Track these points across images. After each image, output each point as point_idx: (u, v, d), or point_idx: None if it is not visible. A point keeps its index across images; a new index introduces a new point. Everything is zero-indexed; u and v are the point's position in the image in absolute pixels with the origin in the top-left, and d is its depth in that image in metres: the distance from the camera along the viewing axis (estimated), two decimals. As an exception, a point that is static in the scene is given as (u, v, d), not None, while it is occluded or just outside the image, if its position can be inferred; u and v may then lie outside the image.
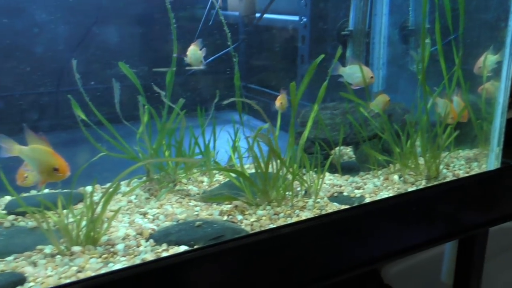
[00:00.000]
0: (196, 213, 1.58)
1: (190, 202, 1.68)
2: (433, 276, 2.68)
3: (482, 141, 2.04)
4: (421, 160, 1.90)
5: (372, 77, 1.78)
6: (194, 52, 1.80)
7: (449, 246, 2.49)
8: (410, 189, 1.77)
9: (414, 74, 1.98)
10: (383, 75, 2.25)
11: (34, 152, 1.25)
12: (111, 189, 1.37)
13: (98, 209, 1.36)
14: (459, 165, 1.97)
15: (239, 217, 1.55)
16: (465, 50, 1.84)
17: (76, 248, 1.30)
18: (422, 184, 1.81)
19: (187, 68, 3.07)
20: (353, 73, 1.78)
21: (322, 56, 1.61)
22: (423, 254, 2.87)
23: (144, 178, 1.81)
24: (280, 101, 1.77)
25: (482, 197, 1.83)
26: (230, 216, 1.55)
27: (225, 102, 1.55)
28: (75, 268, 1.22)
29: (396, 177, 1.85)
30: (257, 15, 3.38)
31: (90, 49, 2.40)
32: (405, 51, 2.31)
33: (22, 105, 2.38)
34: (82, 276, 1.19)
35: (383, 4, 2.19)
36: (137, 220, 1.53)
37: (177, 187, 1.80)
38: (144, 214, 1.58)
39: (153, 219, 1.54)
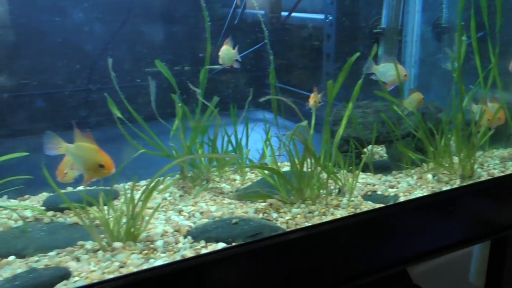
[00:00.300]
0: (231, 210, 1.59)
1: (224, 200, 1.69)
2: (460, 276, 2.64)
3: (517, 140, 2.02)
4: (455, 159, 1.88)
5: (405, 75, 1.77)
6: (227, 51, 1.80)
7: (477, 246, 2.46)
8: (444, 188, 1.75)
9: (447, 72, 1.96)
10: (415, 73, 2.23)
11: (79, 150, 1.26)
12: (151, 185, 1.38)
13: (135, 206, 1.38)
14: (493, 164, 1.94)
15: (274, 215, 1.55)
16: (502, 47, 1.81)
17: (117, 244, 1.32)
18: (457, 183, 1.80)
19: (210, 67, 3.08)
20: (386, 71, 1.76)
21: (358, 54, 1.60)
22: (450, 254, 2.84)
23: (177, 176, 1.83)
24: (313, 99, 1.77)
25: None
26: (266, 214, 1.56)
27: (262, 99, 1.55)
28: (117, 264, 1.23)
29: (430, 176, 1.83)
30: (283, 13, 3.39)
31: (123, 47, 2.44)
32: (438, 49, 2.28)
33: (62, 103, 2.42)
34: (124, 271, 1.21)
35: (416, 2, 2.18)
36: (173, 218, 1.54)
37: (210, 185, 1.82)
38: (180, 212, 1.59)
39: (189, 217, 1.56)
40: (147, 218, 1.41)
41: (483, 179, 1.82)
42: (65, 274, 1.18)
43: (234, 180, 1.88)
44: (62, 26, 2.35)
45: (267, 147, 1.88)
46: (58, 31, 2.36)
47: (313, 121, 1.78)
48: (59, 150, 1.27)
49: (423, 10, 2.18)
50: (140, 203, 1.39)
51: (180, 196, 1.72)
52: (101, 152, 1.24)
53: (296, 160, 1.64)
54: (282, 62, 3.39)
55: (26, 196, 1.71)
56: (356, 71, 1.76)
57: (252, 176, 1.92)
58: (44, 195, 1.73)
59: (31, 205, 1.63)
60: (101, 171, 1.23)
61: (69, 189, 1.78)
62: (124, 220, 1.36)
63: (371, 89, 1.91)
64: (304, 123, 1.52)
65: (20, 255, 1.30)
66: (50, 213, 1.57)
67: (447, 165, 1.84)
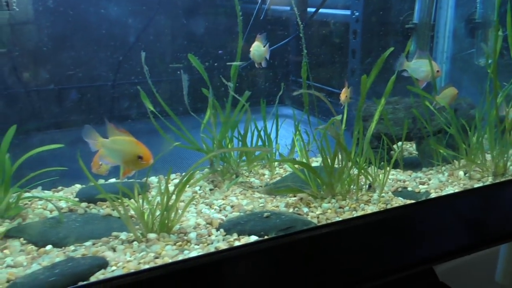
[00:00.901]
0: (261, 204, 1.59)
1: (254, 194, 1.70)
2: (486, 275, 2.61)
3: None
4: (488, 157, 1.85)
5: (438, 71, 1.74)
6: (258, 48, 1.80)
7: (504, 246, 2.42)
8: (476, 185, 1.73)
9: (479, 68, 1.93)
10: (447, 70, 2.20)
11: (116, 143, 1.26)
12: (185, 179, 1.40)
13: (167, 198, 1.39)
14: (527, 162, 1.91)
15: (305, 209, 1.55)
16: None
17: (151, 235, 1.34)
18: (489, 180, 1.77)
19: (231, 63, 3.09)
20: (418, 67, 1.74)
21: (392, 49, 1.59)
22: (479, 252, 2.80)
23: (207, 170, 1.84)
24: (345, 94, 1.76)
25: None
26: (296, 209, 1.56)
27: (295, 93, 1.55)
28: (152, 254, 1.25)
29: (461, 173, 1.81)
30: (309, 10, 3.37)
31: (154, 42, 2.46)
32: (471, 45, 2.25)
33: (97, 96, 2.46)
34: (159, 262, 1.22)
35: (449, -3, 2.15)
36: (204, 211, 1.55)
37: (240, 180, 1.82)
38: (210, 205, 1.60)
39: (220, 210, 1.57)
40: (180, 210, 1.43)
41: (516, 177, 1.79)
42: (103, 264, 1.20)
43: (263, 174, 1.89)
44: (98, 19, 2.38)
45: (296, 142, 1.88)
46: (90, 24, 2.39)
47: (345, 117, 1.78)
48: (96, 145, 1.28)
49: (456, 5, 2.15)
50: (172, 196, 1.40)
51: (210, 190, 1.74)
52: (139, 144, 1.25)
53: (328, 156, 1.63)
54: (308, 58, 3.39)
55: (60, 188, 1.75)
56: (384, 67, 1.75)
57: (281, 171, 1.92)
58: (77, 187, 1.76)
59: (65, 196, 1.66)
60: (139, 162, 1.23)
61: (101, 181, 1.80)
62: (158, 212, 1.38)
63: (400, 86, 1.89)
64: (338, 117, 1.51)
65: (57, 245, 1.33)
66: (83, 204, 1.60)
67: (479, 162, 1.82)
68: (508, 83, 1.82)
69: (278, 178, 1.85)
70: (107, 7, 2.38)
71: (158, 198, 1.40)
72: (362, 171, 1.66)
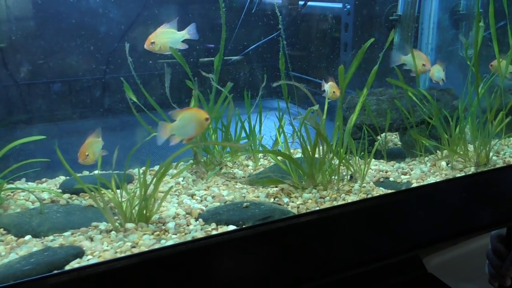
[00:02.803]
0: (243, 195, 1.60)
1: (236, 184, 1.71)
2: (477, 268, 2.63)
3: (535, 128, 1.98)
4: (470, 147, 1.86)
5: (424, 65, 1.75)
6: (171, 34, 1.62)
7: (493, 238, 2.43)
8: (458, 175, 1.74)
9: (464, 59, 1.94)
10: (432, 61, 2.20)
11: (185, 121, 1.41)
12: (162, 169, 1.41)
13: (149, 189, 1.41)
14: (510, 152, 1.92)
15: (285, 199, 1.56)
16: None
17: (129, 225, 1.35)
18: (471, 171, 1.78)
19: (226, 58, 3.09)
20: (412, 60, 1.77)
21: (372, 39, 1.60)
22: (468, 245, 2.82)
23: (191, 161, 1.85)
24: (333, 89, 1.76)
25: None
26: (277, 199, 1.57)
27: (275, 84, 1.56)
28: (129, 244, 1.26)
29: (443, 163, 1.82)
30: (300, 3, 3.38)
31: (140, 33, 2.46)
32: (455, 36, 2.26)
33: (74, 89, 2.47)
34: (136, 251, 1.23)
35: (433, -12, 2.15)
36: (186, 201, 1.56)
37: (223, 170, 1.83)
38: (192, 196, 1.61)
39: (201, 200, 1.58)
40: (159, 200, 1.44)
41: (498, 166, 1.80)
42: (79, 253, 1.21)
43: (247, 165, 1.90)
44: (78, 11, 2.38)
45: (280, 134, 1.89)
46: (74, 16, 2.40)
47: (325, 107, 1.78)
48: (166, 134, 1.40)
49: (441, -4, 2.16)
50: (153, 186, 1.41)
51: (193, 180, 1.75)
52: (198, 110, 1.43)
53: (308, 146, 1.64)
54: (299, 52, 3.40)
55: (44, 179, 1.76)
56: (372, 59, 1.76)
57: (265, 162, 1.93)
58: (61, 178, 1.77)
59: (48, 188, 1.67)
60: (205, 123, 1.43)
61: (85, 172, 1.82)
62: (136, 202, 1.39)
63: (385, 77, 1.90)
64: (316, 107, 1.52)
65: (36, 235, 1.34)
66: (66, 195, 1.61)
67: (461, 152, 1.83)
68: (489, 74, 1.83)
69: (262, 169, 1.86)
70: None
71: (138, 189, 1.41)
72: (343, 161, 1.67)
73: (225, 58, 3.02)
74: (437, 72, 1.79)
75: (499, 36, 1.84)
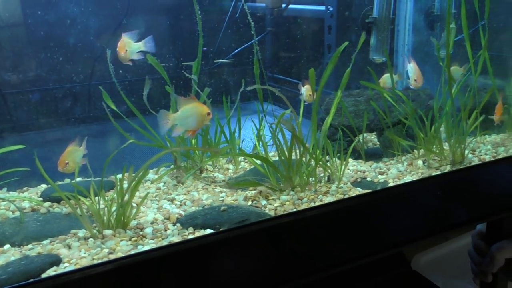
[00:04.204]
0: (221, 198, 1.63)
1: (216, 188, 1.73)
2: (463, 266, 2.66)
3: (509, 125, 2.02)
4: (446, 146, 1.90)
5: (416, 80, 1.78)
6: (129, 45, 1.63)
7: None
8: (434, 174, 1.77)
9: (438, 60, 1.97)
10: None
11: (186, 112, 1.43)
12: (139, 176, 1.43)
13: (127, 195, 1.42)
14: (485, 150, 1.95)
15: (263, 202, 1.59)
16: (491, 34, 1.82)
17: (107, 232, 1.37)
18: (447, 169, 1.81)
19: (215, 60, 3.11)
20: (408, 72, 1.80)
21: (346, 43, 1.63)
22: (454, 243, 2.86)
23: (172, 166, 1.87)
24: (309, 92, 1.79)
25: (509, 181, 1.81)
26: (255, 202, 1.59)
27: (249, 88, 1.59)
28: (106, 250, 1.28)
29: (420, 162, 1.85)
30: (284, 6, 3.40)
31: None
32: (430, 37, 2.29)
33: (56, 97, 2.48)
34: (113, 257, 1.25)
35: (408, -9, 2.19)
36: (165, 206, 1.58)
37: (203, 174, 1.86)
38: (172, 200, 1.64)
39: (180, 205, 1.60)
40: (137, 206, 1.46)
41: (473, 164, 1.83)
42: (56, 261, 1.23)
43: (228, 169, 1.92)
44: (59, 20, 2.40)
45: (259, 139, 1.91)
46: (54, 25, 2.41)
47: (301, 109, 1.81)
48: (168, 123, 1.43)
49: (415, -1, 2.20)
50: (129, 192, 1.43)
51: (174, 185, 1.77)
52: (201, 104, 1.45)
53: (285, 149, 1.67)
54: (283, 53, 3.43)
55: (25, 188, 1.77)
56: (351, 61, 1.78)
57: (246, 166, 1.95)
58: (42, 187, 1.78)
59: (29, 197, 1.68)
60: (207, 117, 1.45)
61: (67, 180, 1.83)
62: (114, 208, 1.41)
63: (364, 78, 1.93)
64: (288, 111, 1.55)
65: (14, 244, 1.35)
66: (47, 204, 1.62)
67: (437, 151, 1.86)
68: (463, 74, 1.86)
69: (242, 172, 1.88)
70: (76, 9, 2.41)
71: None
72: (320, 162, 1.70)
73: (215, 60, 3.06)
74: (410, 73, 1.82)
75: (473, 36, 1.88)
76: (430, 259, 2.82)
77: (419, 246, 2.81)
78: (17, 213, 1.55)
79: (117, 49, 1.57)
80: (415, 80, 1.78)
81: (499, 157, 1.89)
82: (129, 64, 1.60)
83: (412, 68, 1.78)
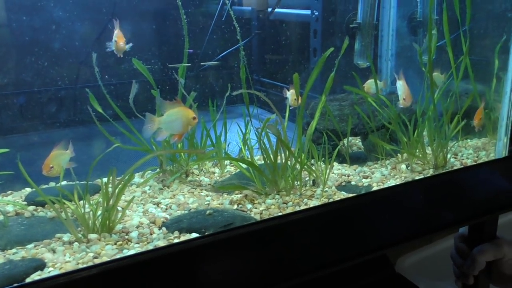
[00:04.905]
0: (207, 202, 1.63)
1: (201, 192, 1.74)
2: (447, 268, 2.70)
3: (490, 130, 2.06)
4: (429, 150, 1.93)
5: (404, 99, 1.80)
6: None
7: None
8: (417, 178, 1.80)
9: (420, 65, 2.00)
10: (392, 67, 2.28)
11: (172, 115, 1.44)
12: (124, 179, 1.43)
13: (112, 199, 1.42)
14: (467, 154, 1.99)
15: (249, 206, 1.60)
16: (473, 41, 1.86)
17: (92, 236, 1.36)
18: (430, 173, 1.84)
19: (201, 63, 3.12)
20: (398, 90, 1.82)
21: (332, 49, 1.65)
22: (438, 246, 2.89)
23: (157, 170, 1.87)
24: (294, 97, 1.80)
25: (490, 185, 1.85)
26: (240, 205, 1.60)
27: (235, 93, 1.60)
28: (91, 254, 1.28)
29: (403, 166, 1.88)
30: (270, 10, 3.42)
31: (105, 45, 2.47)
32: (413, 42, 2.33)
33: (41, 100, 2.47)
34: (98, 261, 1.25)
35: (391, -3, 2.23)
36: (151, 210, 1.59)
37: (189, 178, 1.86)
38: (158, 204, 1.64)
39: (166, 209, 1.60)
40: (122, 210, 1.46)
41: (456, 168, 1.87)
42: (40, 265, 1.22)
43: (214, 173, 1.93)
44: (44, 24, 2.39)
45: (245, 142, 1.92)
46: (38, 29, 2.40)
47: (287, 114, 1.83)
48: (154, 127, 1.44)
49: (398, 5, 2.22)
50: (114, 196, 1.43)
51: (160, 189, 1.77)
52: (186, 108, 1.46)
53: (270, 153, 1.68)
54: (269, 58, 3.44)
55: (9, 192, 1.76)
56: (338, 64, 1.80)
57: (232, 169, 1.96)
58: (27, 190, 1.77)
59: (13, 200, 1.67)
60: (193, 121, 1.46)
61: (52, 184, 1.82)
62: (99, 212, 1.41)
63: (348, 83, 1.96)
64: (273, 116, 1.56)
65: (-2, 248, 1.34)
66: (31, 207, 1.61)
67: (420, 155, 1.89)
68: (445, 79, 1.89)
69: (228, 176, 1.89)
70: (61, 13, 2.40)
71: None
72: (305, 166, 1.72)
73: (201, 63, 3.06)
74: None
75: (455, 42, 1.92)
76: (414, 261, 2.86)
77: (404, 249, 2.84)
78: (1, 217, 1.53)
79: (116, 39, 1.60)
80: (404, 99, 1.79)
81: (481, 161, 1.92)
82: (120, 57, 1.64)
83: (401, 86, 1.79)
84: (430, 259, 2.88)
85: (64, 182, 1.81)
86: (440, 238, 2.85)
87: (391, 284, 2.50)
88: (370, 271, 2.54)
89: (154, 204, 1.64)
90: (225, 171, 1.94)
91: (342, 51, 1.71)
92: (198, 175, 1.90)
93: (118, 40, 1.60)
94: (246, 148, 1.88)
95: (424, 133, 1.92)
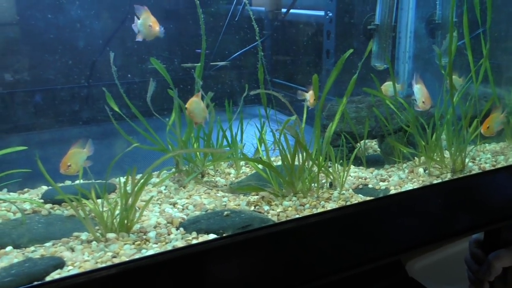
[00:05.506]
0: (224, 203, 1.62)
1: (218, 193, 1.73)
2: (459, 272, 2.68)
3: (509, 134, 2.04)
4: (447, 154, 1.91)
5: (423, 102, 1.77)
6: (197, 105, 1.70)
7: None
8: (435, 182, 1.78)
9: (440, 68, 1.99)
10: (409, 69, 2.26)
11: (195, 105, 1.64)
12: (143, 179, 1.43)
13: (131, 199, 1.42)
14: (485, 158, 1.97)
15: (266, 207, 1.59)
16: (492, 43, 1.84)
17: (110, 235, 1.36)
18: (448, 177, 1.82)
19: (211, 63, 3.12)
20: (416, 93, 1.79)
21: (351, 50, 1.63)
22: (450, 250, 2.87)
23: (173, 170, 1.87)
24: (312, 98, 1.79)
25: (508, 190, 1.83)
26: (257, 207, 1.59)
27: (252, 92, 1.59)
28: (110, 254, 1.27)
29: (421, 170, 1.86)
30: (283, 10, 3.42)
31: (122, 44, 2.48)
32: (432, 45, 2.31)
33: (58, 99, 2.47)
34: (117, 261, 1.25)
35: (410, -2, 2.21)
36: (167, 210, 1.58)
37: (205, 179, 1.85)
38: (174, 204, 1.63)
39: (183, 209, 1.60)
40: (140, 210, 1.45)
41: (474, 172, 1.85)
42: (59, 264, 1.22)
43: (229, 174, 1.92)
44: (61, 22, 2.40)
45: (261, 143, 1.92)
46: (55, 27, 2.41)
47: (304, 116, 1.82)
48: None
49: (416, 6, 2.21)
50: (134, 196, 1.43)
51: (175, 189, 1.76)
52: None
53: (288, 154, 1.67)
54: (282, 58, 3.43)
55: (26, 190, 1.76)
56: (352, 67, 1.79)
57: (247, 170, 1.95)
58: (43, 188, 1.77)
59: (30, 198, 1.67)
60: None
61: (68, 182, 1.82)
62: (117, 212, 1.41)
63: (364, 85, 1.94)
64: (293, 117, 1.55)
65: (17, 246, 1.34)
66: (48, 205, 1.61)
67: (438, 159, 1.87)
68: (464, 82, 1.87)
69: (244, 177, 1.88)
70: (79, 10, 2.40)
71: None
72: (323, 168, 1.70)
73: (211, 63, 3.06)
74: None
75: (474, 45, 1.90)
76: (423, 265, 2.83)
77: (413, 253, 2.82)
78: (18, 215, 1.54)
79: (151, 23, 1.60)
80: (423, 102, 1.76)
81: (499, 165, 1.90)
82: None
83: (419, 89, 1.77)
84: (440, 263, 2.85)
85: (78, 181, 1.82)
86: (451, 242, 2.82)
87: (404, 288, 2.48)
88: (383, 275, 2.52)
89: (170, 204, 1.63)
90: (241, 172, 1.94)
91: (366, 53, 1.70)
92: (213, 176, 1.90)
93: (154, 25, 1.59)
94: (263, 148, 1.87)
95: (442, 136, 1.90)
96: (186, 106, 1.66)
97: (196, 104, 1.65)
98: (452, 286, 2.74)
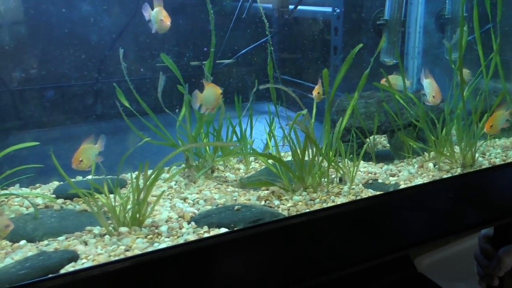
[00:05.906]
0: (234, 198, 1.63)
1: (228, 188, 1.74)
2: (468, 268, 2.67)
3: (519, 129, 2.03)
4: (457, 149, 1.90)
5: (434, 97, 1.76)
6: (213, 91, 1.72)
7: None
8: (445, 176, 1.78)
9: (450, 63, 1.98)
10: (419, 65, 2.25)
11: (209, 93, 1.65)
12: (155, 174, 1.44)
13: (142, 193, 1.43)
14: (495, 153, 1.96)
15: (276, 202, 1.59)
16: (502, 38, 1.83)
17: (123, 229, 1.37)
18: (458, 172, 1.82)
19: (218, 61, 3.12)
20: (426, 88, 1.78)
21: (361, 45, 1.64)
22: (459, 245, 2.86)
23: (183, 165, 1.88)
24: (317, 91, 1.80)
25: (518, 185, 1.82)
26: (268, 201, 1.60)
27: (262, 86, 1.60)
28: (123, 247, 1.29)
29: (431, 164, 1.86)
30: (290, 7, 3.42)
31: (131, 40, 2.49)
32: (441, 40, 2.30)
33: (69, 95, 2.49)
34: (130, 254, 1.26)
35: (419, -7, 2.20)
36: (178, 205, 1.59)
37: (215, 174, 1.86)
38: (184, 199, 1.64)
39: (193, 204, 1.61)
40: (151, 204, 1.47)
41: (484, 167, 1.84)
42: (73, 257, 1.23)
43: (239, 169, 1.93)
44: (71, 18, 2.41)
45: (270, 138, 1.92)
46: (66, 23, 2.42)
47: (314, 111, 1.82)
48: (197, 101, 1.64)
49: (426, 1, 2.20)
50: (145, 190, 1.44)
51: (186, 184, 1.77)
52: (215, 85, 1.66)
53: (298, 149, 1.68)
54: (290, 55, 3.43)
55: (37, 185, 1.78)
56: (360, 63, 1.79)
57: (257, 166, 1.96)
58: (55, 183, 1.79)
59: (42, 193, 1.69)
60: (220, 97, 1.67)
61: (79, 178, 1.84)
62: (129, 206, 1.42)
63: (374, 80, 1.94)
64: (304, 111, 1.56)
65: (30, 240, 1.36)
66: (60, 200, 1.63)
67: (448, 154, 1.87)
68: (474, 77, 1.87)
69: (253, 172, 1.89)
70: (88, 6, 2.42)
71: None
72: (333, 163, 1.71)
73: (217, 61, 3.06)
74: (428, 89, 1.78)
75: (484, 40, 1.89)
76: (433, 261, 2.83)
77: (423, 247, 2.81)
78: (31, 209, 1.55)
79: (162, 18, 1.63)
80: (433, 96, 1.75)
81: (509, 160, 1.90)
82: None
83: (429, 84, 1.76)
84: (449, 259, 2.85)
85: (89, 176, 1.83)
86: (459, 238, 2.82)
87: (413, 284, 2.48)
88: (392, 270, 2.52)
89: (181, 199, 1.64)
90: (250, 167, 1.94)
91: (378, 48, 1.70)
92: (223, 171, 1.90)
93: (165, 19, 1.63)
94: (273, 143, 1.87)
95: (452, 131, 1.90)
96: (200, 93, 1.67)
97: (213, 89, 1.67)
98: (461, 281, 2.74)
